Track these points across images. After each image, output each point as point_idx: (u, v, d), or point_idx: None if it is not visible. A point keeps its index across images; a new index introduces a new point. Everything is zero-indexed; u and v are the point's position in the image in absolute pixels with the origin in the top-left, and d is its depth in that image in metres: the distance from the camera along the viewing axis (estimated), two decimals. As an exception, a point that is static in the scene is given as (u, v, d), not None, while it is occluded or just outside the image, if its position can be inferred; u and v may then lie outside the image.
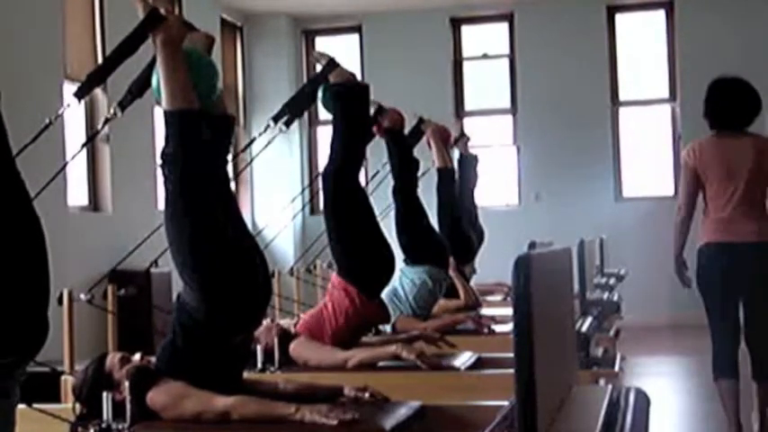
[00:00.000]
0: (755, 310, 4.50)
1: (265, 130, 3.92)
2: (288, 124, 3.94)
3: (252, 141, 4.32)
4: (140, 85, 3.00)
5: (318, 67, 3.99)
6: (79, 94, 2.98)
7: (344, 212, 3.97)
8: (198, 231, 2.81)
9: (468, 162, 6.97)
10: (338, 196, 3.97)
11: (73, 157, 3.48)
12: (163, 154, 2.80)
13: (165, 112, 2.79)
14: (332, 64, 3.92)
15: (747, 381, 4.67)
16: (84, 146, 3.51)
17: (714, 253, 4.48)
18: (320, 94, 3.99)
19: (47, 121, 2.90)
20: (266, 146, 4.17)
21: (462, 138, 7.25)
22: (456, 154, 6.77)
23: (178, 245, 2.83)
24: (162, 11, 2.85)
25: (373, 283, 4.03)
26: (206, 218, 2.82)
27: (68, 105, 3.08)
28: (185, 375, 2.79)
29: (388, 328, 4.87)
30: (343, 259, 4.03)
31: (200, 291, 2.81)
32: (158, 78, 2.83)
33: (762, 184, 4.51)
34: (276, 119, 3.88)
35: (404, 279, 5.07)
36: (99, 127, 3.23)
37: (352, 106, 3.97)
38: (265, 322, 3.88)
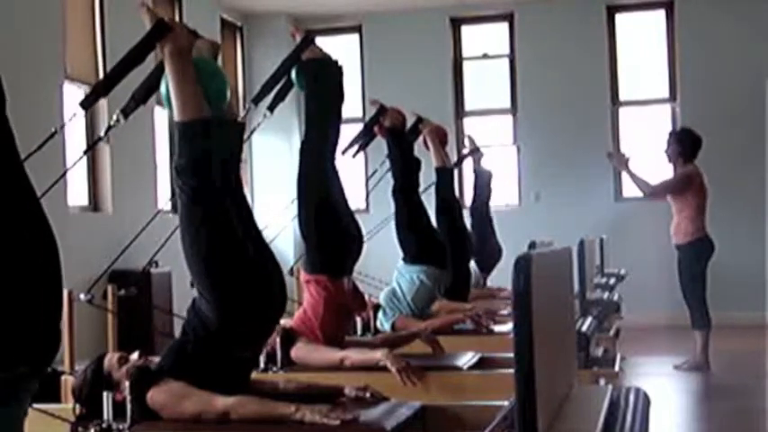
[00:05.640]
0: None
1: (247, 112, 3.91)
2: (271, 108, 3.90)
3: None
4: (144, 93, 2.99)
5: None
6: (85, 104, 2.98)
7: (310, 190, 3.86)
8: (213, 242, 2.80)
9: (483, 177, 7.03)
10: (306, 173, 3.88)
11: (73, 165, 3.49)
12: (176, 165, 2.80)
13: (177, 123, 2.79)
14: (307, 41, 3.83)
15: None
16: (85, 153, 3.51)
17: (706, 242, 6.85)
18: (293, 74, 3.87)
19: (52, 129, 2.91)
20: (252, 131, 4.13)
21: (476, 153, 7.28)
22: (470, 168, 6.84)
23: (193, 255, 2.82)
24: (166, 19, 2.86)
25: (337, 262, 3.93)
26: (221, 227, 2.82)
27: (75, 115, 3.09)
28: (191, 378, 2.79)
29: (387, 327, 4.88)
30: (306, 246, 3.93)
31: (215, 302, 2.81)
32: (167, 89, 2.83)
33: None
34: (256, 100, 3.86)
35: (401, 278, 5.07)
36: (102, 133, 3.22)
37: (322, 81, 3.86)
38: None
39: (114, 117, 2.99)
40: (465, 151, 7.79)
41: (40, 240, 1.59)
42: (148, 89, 2.98)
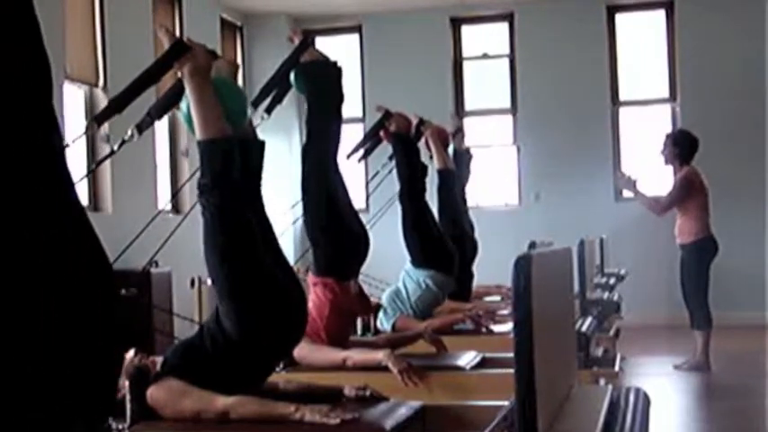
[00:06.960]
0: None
1: None
2: (269, 111, 3.90)
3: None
4: (160, 110, 3.01)
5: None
6: (99, 120, 2.99)
7: (315, 192, 3.86)
8: (235, 259, 2.82)
9: (462, 158, 6.95)
10: (310, 175, 3.86)
11: (80, 180, 3.49)
12: (199, 184, 2.81)
13: (199, 142, 2.81)
14: (305, 43, 3.82)
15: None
16: (96, 167, 3.52)
17: (710, 242, 6.89)
18: (293, 77, 3.85)
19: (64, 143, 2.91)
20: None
21: (458, 133, 7.23)
22: (450, 149, 6.76)
23: (216, 271, 2.84)
24: (185, 39, 2.87)
25: (345, 265, 3.94)
26: (244, 245, 2.83)
27: (87, 129, 3.10)
28: (196, 380, 2.79)
29: (387, 327, 4.88)
30: (314, 248, 3.93)
31: (235, 316, 2.83)
32: (188, 108, 2.85)
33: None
34: (255, 103, 3.86)
35: (407, 280, 5.06)
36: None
37: (321, 83, 3.85)
38: None
39: (129, 132, 3.00)
40: (449, 128, 7.71)
41: (95, 264, 1.26)
42: (165, 107, 3.00)
